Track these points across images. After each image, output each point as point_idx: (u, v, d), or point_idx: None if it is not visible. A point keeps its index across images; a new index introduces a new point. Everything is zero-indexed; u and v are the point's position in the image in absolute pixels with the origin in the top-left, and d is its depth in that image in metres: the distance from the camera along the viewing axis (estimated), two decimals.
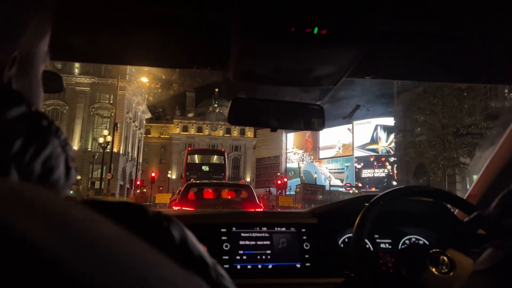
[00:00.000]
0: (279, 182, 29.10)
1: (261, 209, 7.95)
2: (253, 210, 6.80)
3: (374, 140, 46.78)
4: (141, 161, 50.11)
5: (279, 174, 45.26)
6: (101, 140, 24.60)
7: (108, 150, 23.48)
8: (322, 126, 1.34)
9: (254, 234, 1.32)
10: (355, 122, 49.65)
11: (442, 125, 19.69)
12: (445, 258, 1.11)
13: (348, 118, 51.26)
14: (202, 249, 0.39)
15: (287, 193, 33.21)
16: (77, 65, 38.74)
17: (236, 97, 1.29)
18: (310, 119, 1.36)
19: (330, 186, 38.68)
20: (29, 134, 0.34)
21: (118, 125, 29.71)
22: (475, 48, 1.06)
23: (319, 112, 1.34)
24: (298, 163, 56.69)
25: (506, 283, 0.47)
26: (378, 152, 45.70)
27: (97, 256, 0.21)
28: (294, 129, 1.53)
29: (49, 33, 0.45)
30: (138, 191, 35.80)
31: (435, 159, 19.98)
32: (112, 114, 39.09)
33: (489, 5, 0.87)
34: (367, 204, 1.11)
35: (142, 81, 42.45)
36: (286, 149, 58.96)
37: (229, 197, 8.72)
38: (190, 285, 0.30)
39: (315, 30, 0.81)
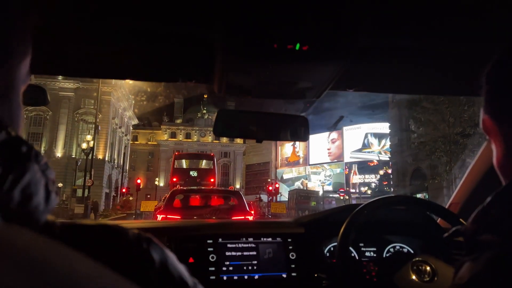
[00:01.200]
0: (270, 188, 28.32)
1: (252, 217, 7.64)
2: (243, 217, 6.86)
3: (366, 146, 46.54)
4: (128, 168, 48.83)
5: (269, 180, 44.51)
6: (84, 145, 23.48)
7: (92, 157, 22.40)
8: (306, 137, 1.35)
9: (240, 245, 1.32)
10: (345, 128, 49.36)
11: (448, 125, 18.69)
12: (427, 266, 1.13)
13: (332, 128, 51.63)
14: (182, 269, 0.39)
15: (278, 199, 32.38)
16: None
17: (221, 109, 1.29)
18: (295, 130, 1.37)
19: (324, 192, 38.00)
20: (8, 162, 0.33)
21: (100, 128, 28.53)
22: (456, 61, 1.08)
23: (304, 123, 1.34)
24: (292, 169, 56.03)
25: None
26: (375, 155, 45.07)
27: None
28: (279, 140, 1.48)
29: (29, 54, 0.44)
30: (124, 198, 34.53)
31: (440, 161, 19.08)
32: (98, 120, 37.96)
33: (469, 19, 0.90)
34: (352, 213, 1.15)
35: (128, 85, 41.41)
36: (276, 155, 58.33)
37: (218, 205, 8.25)
38: None
39: (297, 46, 0.84)
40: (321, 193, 36.85)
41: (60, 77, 38.63)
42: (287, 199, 34.53)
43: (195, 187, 12.17)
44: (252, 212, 9.57)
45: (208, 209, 7.69)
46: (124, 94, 44.63)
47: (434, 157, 19.33)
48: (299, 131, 1.36)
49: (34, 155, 0.36)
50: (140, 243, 0.37)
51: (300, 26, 0.82)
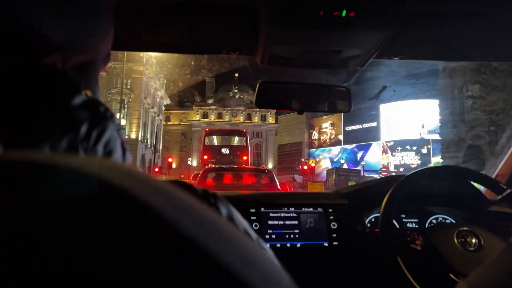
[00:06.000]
0: (305, 167, 27.11)
1: None
2: None
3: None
4: (161, 148, 49.06)
5: (303, 160, 43.21)
6: None
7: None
8: (348, 108, 1.32)
9: (282, 214, 1.34)
10: (381, 106, 46.79)
11: None
12: (473, 237, 1.11)
13: (374, 99, 48.31)
14: (246, 224, 0.40)
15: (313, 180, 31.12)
16: None
17: (262, 81, 1.26)
18: (337, 101, 1.34)
19: (364, 170, 36.17)
20: (91, 119, 0.36)
21: (126, 102, 27.98)
22: (508, 25, 1.02)
23: (346, 94, 1.32)
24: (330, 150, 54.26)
25: None
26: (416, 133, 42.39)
27: (197, 217, 0.21)
28: (320, 111, 1.40)
29: (111, 34, 0.45)
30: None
31: None
32: (130, 99, 37.79)
33: None
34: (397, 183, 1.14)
35: (159, 64, 40.84)
36: (310, 135, 56.68)
37: (250, 183, 8.38)
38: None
39: (343, 13, 0.83)
40: (362, 173, 35.01)
41: None
42: (323, 180, 33.21)
43: (227, 166, 11.64)
44: (288, 189, 9.66)
45: (239, 187, 7.74)
46: (155, 74, 44.28)
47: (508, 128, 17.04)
48: (341, 102, 1.32)
49: (110, 115, 0.38)
50: (207, 198, 0.38)
51: None
